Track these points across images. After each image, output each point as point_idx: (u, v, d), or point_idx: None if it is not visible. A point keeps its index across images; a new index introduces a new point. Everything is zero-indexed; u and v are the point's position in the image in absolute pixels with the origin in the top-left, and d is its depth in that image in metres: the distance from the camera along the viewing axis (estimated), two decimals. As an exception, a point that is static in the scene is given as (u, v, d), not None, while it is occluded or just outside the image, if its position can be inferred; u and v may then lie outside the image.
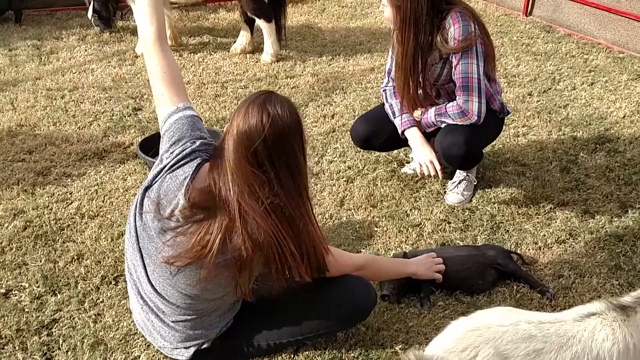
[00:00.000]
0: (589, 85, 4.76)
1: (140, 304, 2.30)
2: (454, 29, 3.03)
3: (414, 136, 3.26)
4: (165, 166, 2.17)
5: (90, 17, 5.88)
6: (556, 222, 3.23)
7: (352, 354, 2.44)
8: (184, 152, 2.16)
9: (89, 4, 5.85)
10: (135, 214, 2.21)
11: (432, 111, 3.25)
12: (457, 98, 3.15)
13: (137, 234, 2.20)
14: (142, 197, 2.18)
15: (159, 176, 2.17)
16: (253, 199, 2.00)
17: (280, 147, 2.00)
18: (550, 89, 4.74)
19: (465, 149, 3.14)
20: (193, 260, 2.04)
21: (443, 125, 3.22)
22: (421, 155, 3.21)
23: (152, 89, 2.36)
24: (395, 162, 3.75)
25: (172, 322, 2.25)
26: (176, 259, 2.06)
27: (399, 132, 3.31)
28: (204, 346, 2.29)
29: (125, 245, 2.31)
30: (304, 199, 2.10)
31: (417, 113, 3.30)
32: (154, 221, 2.13)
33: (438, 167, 3.17)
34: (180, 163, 2.15)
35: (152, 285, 2.21)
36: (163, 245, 2.11)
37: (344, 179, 3.62)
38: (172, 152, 2.18)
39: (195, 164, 2.13)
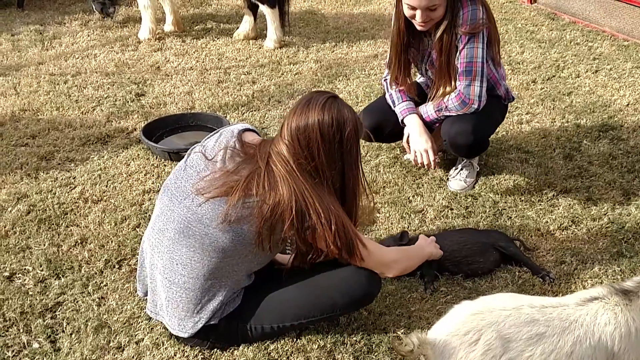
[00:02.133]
0: (593, 73, 4.74)
1: (158, 263, 2.33)
2: (462, 13, 3.01)
3: (412, 123, 3.24)
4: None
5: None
6: (559, 209, 3.23)
7: (354, 338, 2.45)
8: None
9: None
10: (176, 171, 2.38)
11: (429, 107, 3.23)
12: (457, 84, 3.13)
13: (174, 181, 2.33)
14: (192, 151, 2.38)
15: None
16: (286, 158, 2.20)
17: (334, 140, 2.19)
18: (554, 76, 4.72)
19: (472, 138, 3.14)
20: (220, 194, 2.20)
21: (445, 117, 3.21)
22: (417, 143, 3.20)
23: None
24: (397, 149, 3.74)
25: (183, 276, 2.27)
26: (206, 191, 2.23)
27: (399, 120, 3.30)
28: (212, 322, 2.31)
29: (155, 209, 2.41)
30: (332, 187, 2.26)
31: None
32: (200, 160, 2.30)
33: (432, 158, 3.16)
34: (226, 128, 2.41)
35: (175, 227, 2.27)
36: (200, 181, 2.26)
37: (347, 165, 3.60)
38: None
39: (246, 126, 2.38)
